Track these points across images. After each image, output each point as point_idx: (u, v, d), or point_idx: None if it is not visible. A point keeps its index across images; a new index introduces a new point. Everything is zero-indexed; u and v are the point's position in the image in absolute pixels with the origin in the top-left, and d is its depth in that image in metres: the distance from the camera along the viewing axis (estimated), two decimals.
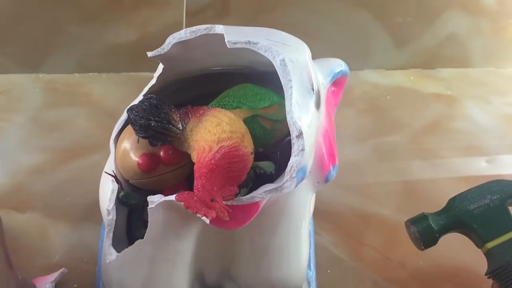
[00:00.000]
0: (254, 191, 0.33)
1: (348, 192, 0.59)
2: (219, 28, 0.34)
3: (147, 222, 0.35)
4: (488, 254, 0.44)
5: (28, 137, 0.61)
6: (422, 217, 0.46)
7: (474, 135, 0.71)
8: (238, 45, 0.33)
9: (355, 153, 0.65)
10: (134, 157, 0.37)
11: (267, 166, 0.37)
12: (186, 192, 0.31)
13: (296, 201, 0.38)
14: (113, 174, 0.38)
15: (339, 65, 0.43)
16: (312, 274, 0.46)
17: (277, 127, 0.39)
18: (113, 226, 0.36)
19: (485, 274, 0.44)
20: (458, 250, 0.53)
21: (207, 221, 0.30)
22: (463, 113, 0.75)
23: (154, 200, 0.34)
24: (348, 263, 0.51)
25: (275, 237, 0.38)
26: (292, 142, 0.31)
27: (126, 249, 0.35)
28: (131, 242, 0.36)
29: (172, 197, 0.32)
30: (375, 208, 0.58)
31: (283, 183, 0.32)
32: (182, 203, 0.30)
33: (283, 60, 0.32)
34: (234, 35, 0.33)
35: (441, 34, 0.80)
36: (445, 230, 0.45)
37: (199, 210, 0.30)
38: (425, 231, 0.45)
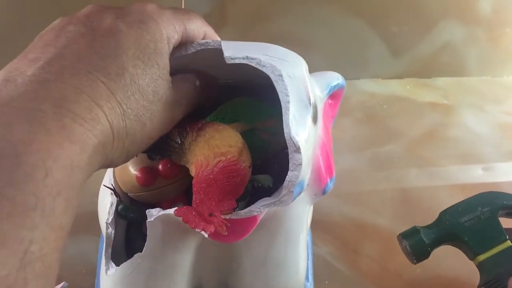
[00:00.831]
0: (252, 205, 0.33)
1: (345, 201, 0.59)
2: (216, 43, 0.34)
3: (146, 235, 0.35)
4: (480, 266, 0.45)
5: None
6: (414, 231, 0.46)
7: (470, 143, 0.72)
8: (236, 61, 0.33)
9: (352, 162, 0.66)
10: (133, 171, 0.38)
11: (265, 179, 0.38)
12: (185, 207, 0.31)
13: (294, 213, 0.38)
14: (112, 188, 0.38)
15: (336, 78, 0.43)
16: (310, 285, 0.46)
17: (275, 139, 0.39)
18: (112, 240, 0.36)
19: (478, 286, 0.44)
20: (454, 260, 0.53)
21: (206, 235, 0.30)
22: (459, 121, 0.76)
23: (153, 213, 0.34)
24: (345, 273, 0.52)
25: (273, 249, 0.38)
26: (290, 157, 0.32)
27: (125, 263, 0.35)
28: (130, 255, 0.36)
29: (171, 211, 0.32)
30: (372, 218, 0.58)
31: (281, 197, 0.32)
32: (181, 217, 0.30)
33: (281, 75, 0.33)
34: (232, 51, 0.33)
35: (437, 43, 0.81)
36: (436, 243, 0.46)
37: (197, 224, 0.30)
38: (416, 245, 0.45)
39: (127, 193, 0.39)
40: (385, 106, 0.76)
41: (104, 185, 0.39)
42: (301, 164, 0.31)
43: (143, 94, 0.28)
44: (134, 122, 0.28)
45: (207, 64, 0.39)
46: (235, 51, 0.33)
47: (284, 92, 0.32)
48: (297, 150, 0.31)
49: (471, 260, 0.45)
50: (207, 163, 0.33)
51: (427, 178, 0.65)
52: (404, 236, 0.46)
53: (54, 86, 0.25)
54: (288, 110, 0.32)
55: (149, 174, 0.37)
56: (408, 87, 0.81)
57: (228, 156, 0.33)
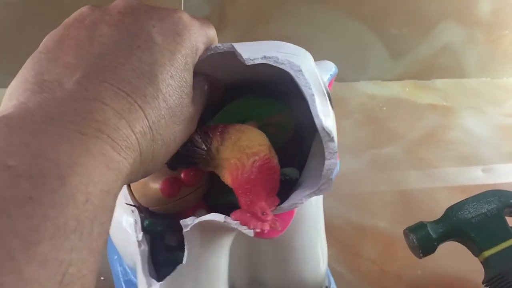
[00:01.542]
0: (293, 198, 0.34)
1: (345, 204, 0.59)
2: (226, 47, 0.34)
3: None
4: (485, 262, 0.45)
5: None
6: (421, 226, 0.46)
7: (469, 145, 0.72)
8: (255, 61, 0.33)
9: (352, 165, 0.66)
10: (155, 184, 0.37)
11: (292, 172, 0.38)
12: (238, 211, 0.31)
13: (313, 201, 0.39)
14: (137, 205, 0.38)
15: (332, 67, 0.44)
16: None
17: (284, 134, 0.40)
18: (147, 256, 0.36)
19: (482, 283, 0.45)
20: (454, 262, 0.53)
21: (252, 234, 0.31)
22: (458, 123, 0.76)
23: (188, 223, 0.34)
24: (345, 276, 0.52)
25: (297, 238, 0.40)
26: (325, 146, 0.32)
27: (168, 277, 0.35)
28: (156, 267, 0.36)
29: (206, 217, 0.33)
30: (372, 220, 0.58)
31: (320, 186, 0.33)
32: (239, 221, 0.31)
33: (300, 70, 0.33)
34: (249, 52, 0.34)
35: (436, 45, 0.81)
36: (443, 238, 0.46)
37: (255, 225, 0.30)
38: (424, 239, 0.45)
39: (147, 208, 0.38)
40: (384, 108, 0.77)
41: (126, 204, 0.38)
42: (336, 152, 0.32)
43: (172, 116, 0.28)
44: (161, 146, 0.28)
45: (209, 67, 0.39)
46: (252, 52, 0.33)
47: (307, 86, 0.33)
48: (331, 139, 0.32)
49: (476, 256, 0.45)
50: (243, 165, 0.33)
51: (427, 180, 0.65)
52: (411, 230, 0.46)
53: (95, 107, 0.24)
54: (315, 102, 0.33)
55: (174, 185, 0.37)
56: (407, 89, 0.81)
57: (261, 155, 0.33)
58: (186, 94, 0.29)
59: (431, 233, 0.45)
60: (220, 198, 0.39)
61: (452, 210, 0.47)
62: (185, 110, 0.29)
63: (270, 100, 0.40)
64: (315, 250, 0.41)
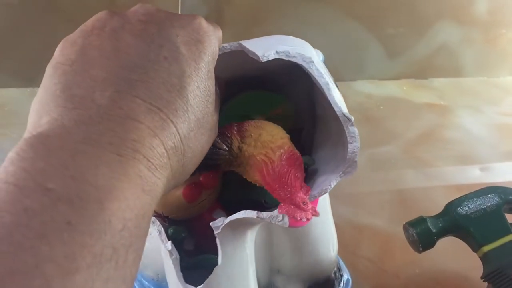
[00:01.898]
0: (320, 184, 0.35)
1: (343, 203, 0.59)
2: (233, 46, 0.34)
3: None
4: (484, 257, 0.45)
5: None
6: (421, 220, 0.47)
7: (466, 144, 0.72)
8: (270, 57, 0.33)
9: None
10: (177, 191, 0.37)
11: (309, 160, 0.39)
12: (282, 205, 0.32)
13: None
14: (161, 215, 0.38)
15: (320, 55, 0.45)
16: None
17: (286, 125, 0.40)
18: (179, 264, 0.36)
19: (481, 278, 0.45)
20: (451, 260, 0.53)
21: (287, 224, 0.32)
22: (455, 122, 0.76)
23: (218, 224, 0.34)
24: None
25: (310, 228, 0.42)
26: (346, 131, 0.34)
27: (207, 279, 0.35)
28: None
29: (238, 216, 0.34)
30: (369, 219, 0.58)
31: (346, 169, 0.34)
32: (287, 214, 0.32)
33: (312, 61, 0.34)
34: (258, 49, 0.34)
35: (433, 44, 0.81)
36: (443, 233, 0.46)
37: (302, 215, 0.31)
38: (423, 234, 0.46)
39: (167, 217, 0.38)
40: (381, 107, 0.77)
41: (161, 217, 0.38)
42: (358, 135, 0.33)
43: (199, 127, 0.28)
44: (190, 159, 0.28)
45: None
46: (261, 48, 0.34)
47: (320, 75, 0.34)
48: (352, 123, 0.33)
49: (475, 251, 0.46)
50: (271, 160, 0.33)
51: (424, 179, 0.65)
52: (411, 224, 0.47)
53: (131, 126, 0.24)
54: (330, 90, 0.34)
55: (195, 190, 0.37)
56: (404, 88, 0.81)
57: (285, 148, 0.34)
58: (211, 103, 0.29)
59: (431, 227, 0.46)
60: (233, 195, 0.40)
61: (451, 206, 0.47)
62: (210, 119, 0.29)
63: (269, 93, 0.41)
64: (326, 237, 0.44)
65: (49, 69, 0.27)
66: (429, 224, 0.46)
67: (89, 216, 0.20)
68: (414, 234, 0.46)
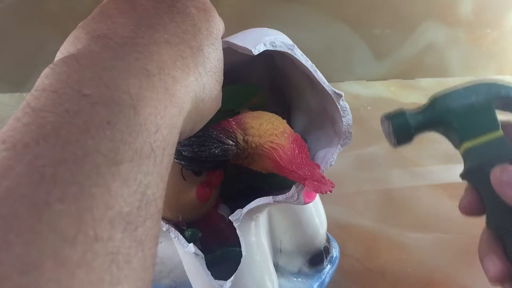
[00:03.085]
0: (323, 158, 0.38)
1: (329, 202, 0.60)
2: (222, 43, 0.36)
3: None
4: (465, 154, 0.41)
5: None
6: (399, 113, 0.43)
7: None
8: (261, 50, 0.35)
9: (336, 164, 0.66)
10: (190, 193, 0.38)
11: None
12: (307, 183, 0.34)
13: None
14: (178, 221, 0.38)
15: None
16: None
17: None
18: (204, 262, 0.37)
19: (460, 175, 0.41)
20: (438, 259, 0.54)
21: (302, 203, 0.36)
22: None
23: (237, 216, 0.36)
24: None
25: (304, 213, 0.47)
26: (339, 106, 0.37)
27: (237, 271, 0.37)
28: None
29: (255, 203, 0.36)
30: (356, 219, 0.59)
31: (343, 140, 0.37)
32: (314, 191, 0.34)
33: (294, 45, 0.36)
34: (250, 43, 0.35)
35: (420, 44, 0.82)
36: (422, 127, 0.42)
37: (326, 188, 0.34)
38: (400, 127, 0.42)
39: (180, 221, 0.39)
40: (369, 108, 0.77)
41: (163, 220, 0.39)
42: (349, 108, 0.37)
43: (214, 72, 0.30)
44: (207, 97, 0.29)
45: None
46: (251, 43, 0.35)
47: (304, 58, 0.36)
48: (343, 98, 0.36)
49: (457, 148, 0.42)
50: (281, 145, 0.35)
51: (410, 179, 0.66)
52: (388, 117, 0.43)
53: (153, 50, 0.26)
54: (317, 71, 0.36)
55: (206, 189, 0.38)
56: (392, 88, 0.82)
57: (288, 131, 0.36)
58: (221, 61, 0.31)
59: (409, 121, 0.42)
60: (231, 188, 0.41)
61: (435, 99, 0.43)
62: (219, 75, 0.31)
63: (244, 85, 0.42)
64: (318, 222, 0.49)
65: (70, 36, 0.28)
66: (407, 117, 0.42)
67: (126, 117, 0.22)
68: (391, 126, 0.42)
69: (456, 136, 0.41)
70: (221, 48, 0.31)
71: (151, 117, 0.23)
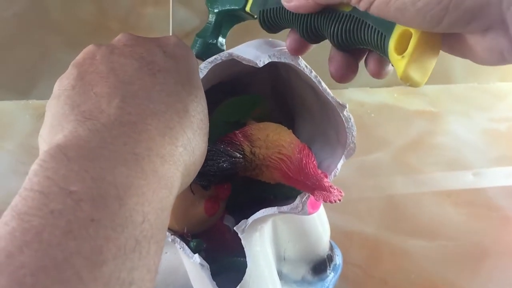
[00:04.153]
0: (329, 168, 0.38)
1: (332, 209, 0.60)
2: (224, 56, 0.36)
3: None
4: (253, 10, 0.39)
5: (18, 164, 0.62)
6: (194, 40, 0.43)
7: (456, 150, 0.73)
8: (266, 62, 0.36)
9: (340, 171, 0.66)
10: (198, 208, 0.38)
11: None
12: (316, 192, 0.34)
13: None
14: (184, 232, 0.39)
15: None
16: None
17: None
18: (210, 273, 0.38)
19: (265, 29, 0.38)
20: (441, 267, 0.54)
21: (307, 213, 0.36)
22: (445, 128, 0.77)
23: (242, 227, 0.37)
24: None
25: (307, 222, 0.47)
26: (341, 115, 0.37)
27: (242, 281, 0.38)
28: None
29: (260, 214, 0.36)
30: (359, 226, 0.59)
31: (348, 151, 0.38)
32: (323, 201, 0.34)
33: (300, 58, 0.37)
34: (253, 56, 0.36)
35: None
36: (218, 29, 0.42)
37: (335, 198, 0.34)
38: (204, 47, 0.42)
39: (187, 233, 0.40)
40: (372, 115, 0.78)
41: (169, 231, 0.39)
42: (352, 118, 0.37)
43: (200, 128, 0.30)
44: (198, 156, 0.29)
45: None
46: (256, 55, 0.36)
47: (308, 69, 0.37)
48: (347, 109, 0.37)
49: (248, 14, 0.40)
50: (288, 156, 0.36)
51: (413, 186, 0.66)
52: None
53: (141, 129, 0.26)
54: (321, 82, 0.37)
55: (215, 203, 0.39)
56: (395, 95, 0.82)
57: (294, 141, 0.36)
58: (204, 109, 0.31)
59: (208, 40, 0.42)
60: (236, 199, 0.41)
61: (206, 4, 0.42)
62: (206, 124, 0.31)
63: (246, 96, 0.42)
64: (321, 230, 0.49)
65: (51, 101, 0.29)
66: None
67: (110, 212, 0.22)
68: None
69: (237, 9, 0.40)
70: (202, 92, 0.31)
71: (137, 207, 0.23)
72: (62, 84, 0.29)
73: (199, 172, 0.35)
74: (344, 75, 0.34)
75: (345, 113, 0.37)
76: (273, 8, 0.36)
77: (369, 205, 0.62)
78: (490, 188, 0.66)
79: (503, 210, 0.62)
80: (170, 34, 0.73)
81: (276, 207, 0.36)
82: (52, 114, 0.27)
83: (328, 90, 0.37)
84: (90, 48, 0.30)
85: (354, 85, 0.83)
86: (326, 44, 0.34)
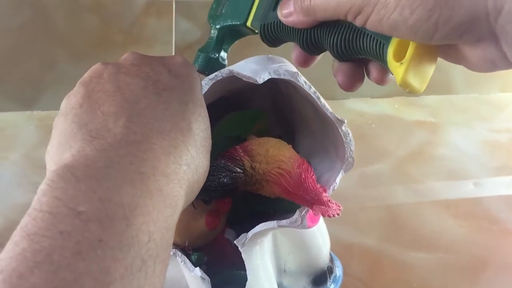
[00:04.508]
0: (328, 182, 0.38)
1: (332, 221, 0.60)
2: (225, 72, 0.37)
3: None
4: (254, 25, 0.39)
5: (22, 175, 0.63)
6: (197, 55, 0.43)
7: (456, 161, 0.73)
8: (265, 78, 0.36)
9: (340, 182, 0.67)
10: (199, 222, 0.39)
11: None
12: (315, 207, 0.35)
13: None
14: (185, 246, 0.39)
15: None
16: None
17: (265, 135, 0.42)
18: (211, 286, 0.38)
19: (266, 41, 0.39)
20: (440, 280, 0.54)
21: (306, 227, 0.36)
22: (446, 139, 0.77)
23: (242, 240, 0.37)
24: None
25: (306, 234, 0.47)
26: (340, 131, 0.37)
27: None
28: None
29: (260, 228, 0.37)
30: (359, 237, 0.59)
31: (347, 165, 0.38)
32: (322, 215, 0.35)
33: (297, 73, 0.37)
34: (253, 72, 0.36)
35: None
36: (220, 46, 0.43)
37: (333, 212, 0.35)
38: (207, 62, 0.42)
39: (188, 246, 0.40)
40: (373, 125, 0.78)
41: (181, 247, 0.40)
42: (351, 133, 0.37)
43: (203, 145, 0.30)
44: (201, 174, 0.30)
45: None
46: (256, 71, 0.36)
47: (307, 85, 0.37)
48: (345, 124, 0.37)
49: (245, 26, 0.40)
50: (286, 170, 0.36)
51: (414, 197, 0.66)
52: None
53: (146, 148, 0.26)
54: (320, 98, 0.37)
55: (215, 217, 0.39)
56: (396, 105, 0.83)
57: (294, 156, 0.37)
58: (207, 127, 0.32)
59: (211, 55, 0.42)
60: (237, 213, 0.42)
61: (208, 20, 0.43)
62: (208, 142, 0.32)
63: (247, 111, 0.43)
64: (321, 242, 0.49)
65: (59, 119, 0.29)
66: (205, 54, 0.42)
67: (117, 232, 0.23)
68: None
69: (238, 25, 0.40)
70: (205, 110, 0.32)
71: (143, 226, 0.24)
72: (69, 102, 0.29)
73: (213, 188, 0.36)
74: (351, 84, 0.35)
75: (343, 128, 0.37)
76: (273, 22, 0.36)
77: (369, 216, 0.62)
78: (490, 197, 0.67)
79: (503, 222, 0.63)
80: (173, 45, 0.74)
81: (275, 221, 0.37)
82: (60, 132, 0.28)
83: (327, 105, 0.38)
84: (97, 66, 0.31)
85: (355, 95, 0.83)
86: (328, 56, 0.35)
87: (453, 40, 0.27)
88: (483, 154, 0.75)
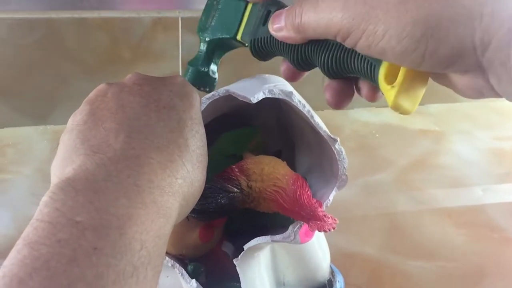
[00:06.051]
0: (322, 198, 0.40)
1: (334, 231, 0.61)
2: (221, 92, 0.38)
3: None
4: (244, 38, 0.39)
5: (36, 189, 0.64)
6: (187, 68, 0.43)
7: (460, 169, 0.74)
8: (259, 98, 0.37)
9: (344, 192, 0.68)
10: (193, 234, 0.41)
11: None
12: (311, 223, 0.36)
13: None
14: (182, 255, 0.41)
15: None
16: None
17: (260, 152, 0.44)
18: None
19: (255, 55, 0.39)
20: (439, 285, 0.55)
21: (299, 242, 0.38)
22: (449, 148, 0.78)
23: (245, 250, 0.38)
24: None
25: (307, 246, 0.47)
26: (334, 150, 0.38)
27: None
28: None
29: (253, 243, 0.38)
30: (360, 247, 0.60)
31: (339, 184, 0.39)
32: (318, 230, 0.36)
33: (292, 92, 0.39)
34: (247, 92, 0.38)
35: None
36: (209, 59, 0.43)
37: (329, 227, 0.36)
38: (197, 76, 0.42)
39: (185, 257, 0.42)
40: (377, 135, 0.79)
41: (167, 255, 0.41)
42: (344, 152, 0.38)
43: (199, 161, 0.32)
44: (196, 188, 0.32)
45: None
46: (251, 91, 0.38)
47: (301, 105, 0.38)
48: (338, 143, 0.38)
49: (234, 39, 0.40)
50: (282, 188, 0.38)
51: (416, 206, 0.67)
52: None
53: (144, 162, 0.28)
54: (314, 117, 0.38)
55: (209, 231, 0.41)
56: (400, 115, 0.83)
57: (289, 173, 0.38)
58: (203, 144, 0.34)
59: (200, 68, 0.42)
60: (235, 226, 0.44)
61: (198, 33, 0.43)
62: (205, 158, 0.33)
63: (243, 129, 0.45)
64: (321, 255, 0.49)
65: (65, 135, 0.32)
66: (195, 67, 0.42)
67: (112, 241, 0.24)
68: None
69: (228, 38, 0.40)
70: (203, 129, 0.34)
71: (137, 235, 0.25)
72: (75, 119, 0.32)
73: (199, 210, 0.37)
74: (340, 101, 0.35)
75: (336, 146, 0.38)
76: (264, 37, 0.37)
77: (371, 225, 0.63)
78: (494, 207, 0.67)
79: (505, 230, 0.63)
80: (180, 60, 0.76)
81: (269, 236, 0.38)
82: (64, 147, 0.30)
83: (321, 124, 0.39)
84: (102, 86, 0.34)
85: (359, 105, 0.84)
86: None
87: (440, 70, 0.28)
88: (488, 163, 0.75)
